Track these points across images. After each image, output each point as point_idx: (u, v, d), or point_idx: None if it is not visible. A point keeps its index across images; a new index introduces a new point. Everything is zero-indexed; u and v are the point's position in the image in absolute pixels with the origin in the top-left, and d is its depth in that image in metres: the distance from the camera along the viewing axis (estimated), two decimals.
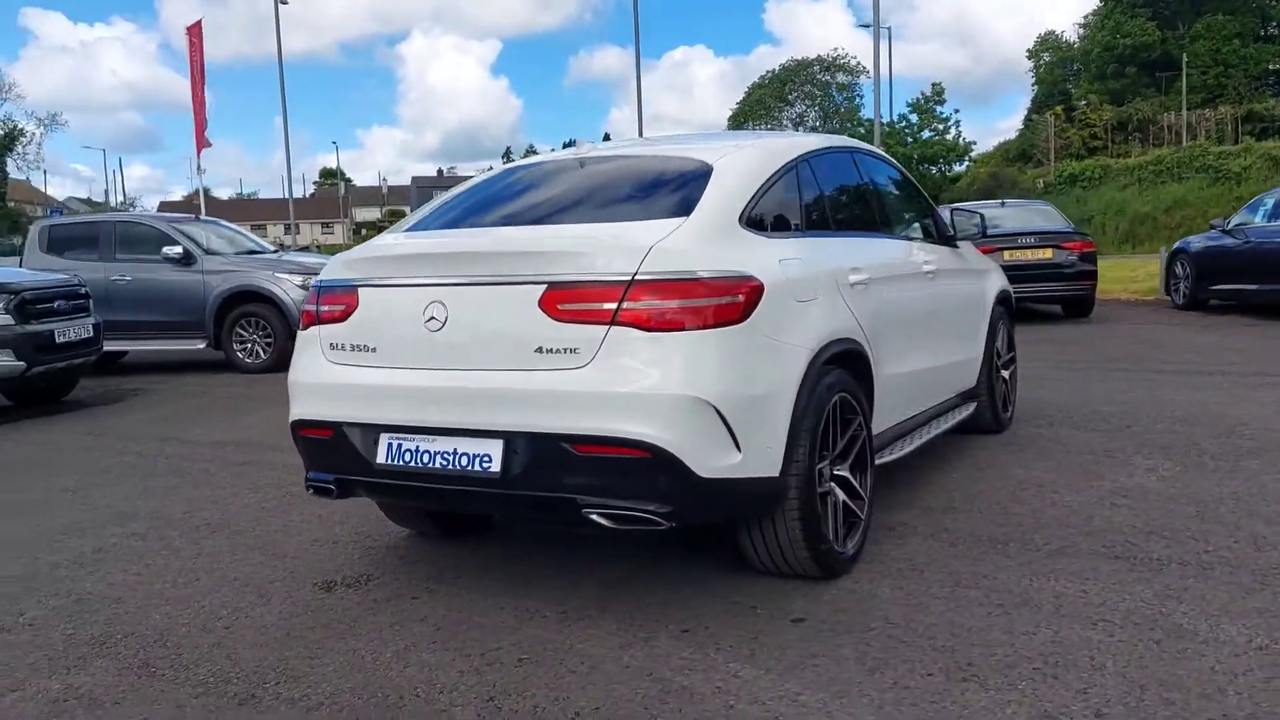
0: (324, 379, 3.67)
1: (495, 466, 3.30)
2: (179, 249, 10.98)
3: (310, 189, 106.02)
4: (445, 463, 3.38)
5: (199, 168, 33.15)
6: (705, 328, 3.22)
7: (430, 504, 3.91)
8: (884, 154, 5.43)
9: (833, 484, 3.81)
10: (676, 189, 3.69)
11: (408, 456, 3.45)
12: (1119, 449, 5.66)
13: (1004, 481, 5.07)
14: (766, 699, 2.87)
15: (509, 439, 3.28)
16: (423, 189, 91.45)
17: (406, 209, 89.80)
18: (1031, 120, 53.25)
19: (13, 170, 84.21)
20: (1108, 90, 50.36)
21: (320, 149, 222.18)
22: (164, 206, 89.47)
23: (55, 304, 8.86)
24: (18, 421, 8.70)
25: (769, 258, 3.54)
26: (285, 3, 38.65)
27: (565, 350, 3.22)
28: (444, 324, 3.40)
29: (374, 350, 3.57)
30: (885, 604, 3.53)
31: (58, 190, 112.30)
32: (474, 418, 3.33)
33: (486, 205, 4.01)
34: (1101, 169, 39.15)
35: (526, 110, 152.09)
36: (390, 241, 3.92)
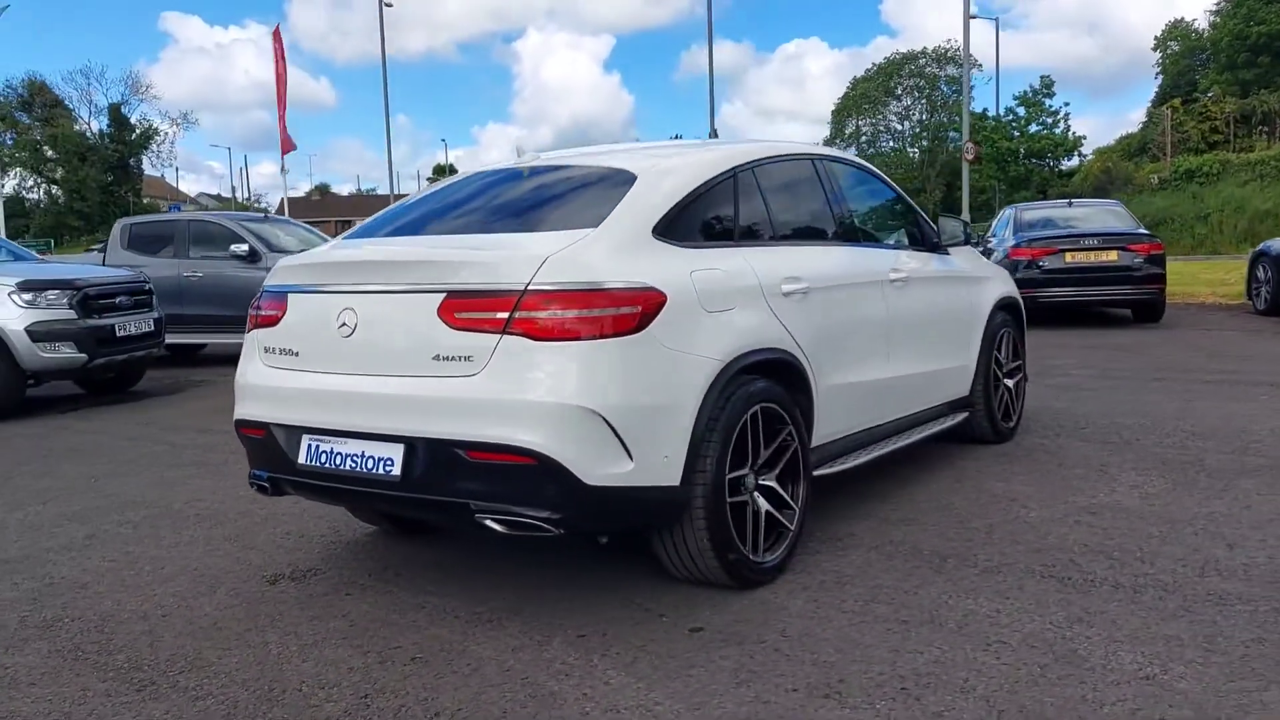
0: (258, 381, 3.83)
1: (396, 470, 3.41)
2: (245, 246, 11.43)
3: (423, 184, 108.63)
4: (354, 465, 3.51)
5: (282, 168, 34.23)
6: (597, 338, 3.27)
7: (344, 504, 4.04)
8: (857, 160, 5.37)
9: (756, 494, 3.80)
10: (595, 199, 3.73)
11: (324, 458, 3.59)
12: (1115, 463, 5.48)
13: (977, 494, 4.96)
14: (624, 707, 2.91)
15: (410, 444, 3.39)
16: None
17: None
18: (1151, 113, 51.26)
19: (148, 167, 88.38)
20: (1237, 81, 48.10)
21: (437, 145, 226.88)
22: (291, 203, 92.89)
23: (117, 299, 9.34)
24: (84, 410, 9.22)
25: (679, 269, 3.56)
26: (390, 4, 39.73)
27: (460, 358, 3.31)
28: (354, 330, 3.53)
29: (297, 354, 3.72)
30: (790, 617, 3.52)
31: (191, 186, 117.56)
32: (379, 422, 3.44)
33: (420, 215, 4.12)
34: (1220, 164, 37.39)
35: (638, 106, 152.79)
36: (323, 249, 4.06)
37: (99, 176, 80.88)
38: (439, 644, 3.43)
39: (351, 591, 3.99)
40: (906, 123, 65.14)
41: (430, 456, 3.35)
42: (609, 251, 3.46)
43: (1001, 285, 6.06)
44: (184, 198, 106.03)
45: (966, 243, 5.49)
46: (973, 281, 5.69)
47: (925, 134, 63.47)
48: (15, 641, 3.62)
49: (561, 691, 3.03)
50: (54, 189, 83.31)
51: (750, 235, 4.13)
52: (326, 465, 3.58)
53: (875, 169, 5.45)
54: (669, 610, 3.63)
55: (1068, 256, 11.82)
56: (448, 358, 3.33)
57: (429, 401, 3.34)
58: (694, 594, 3.75)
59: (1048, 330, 12.26)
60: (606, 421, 3.25)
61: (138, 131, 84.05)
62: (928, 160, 60.92)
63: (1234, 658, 3.07)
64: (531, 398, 3.22)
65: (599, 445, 3.25)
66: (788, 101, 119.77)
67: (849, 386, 4.42)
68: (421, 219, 4.07)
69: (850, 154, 5.55)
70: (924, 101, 63.80)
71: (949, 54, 60.48)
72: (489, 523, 3.33)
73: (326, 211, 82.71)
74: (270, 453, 3.79)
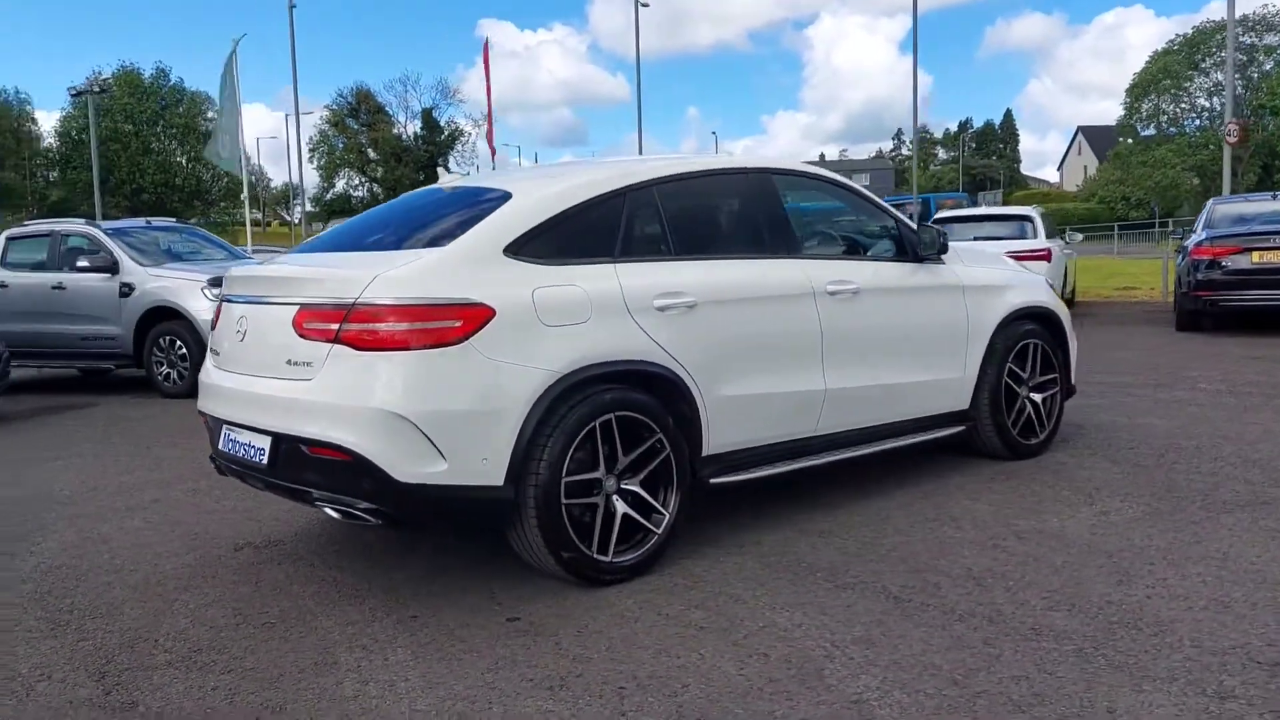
0: (203, 377, 4.47)
1: (264, 459, 3.93)
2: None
3: None
4: (245, 453, 4.07)
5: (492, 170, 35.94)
6: (414, 349, 3.63)
7: (249, 484, 4.56)
8: (817, 173, 5.34)
9: (616, 497, 4.03)
10: (466, 220, 4.07)
11: (231, 445, 4.18)
12: (1112, 487, 5.17)
13: (926, 511, 4.88)
14: (376, 680, 3.28)
15: (274, 437, 3.90)
16: None
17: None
18: None
19: (454, 166, 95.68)
20: None
21: (726, 136, 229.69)
22: None
23: None
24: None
25: (519, 286, 3.85)
26: (646, 5, 41.02)
27: (303, 364, 3.78)
28: (244, 336, 4.08)
29: (219, 355, 4.32)
30: (604, 616, 3.74)
31: None
32: (255, 417, 3.98)
33: (348, 233, 4.62)
34: None
35: (935, 87, 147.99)
36: (252, 264, 4.65)
37: (412, 175, 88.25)
38: (300, 613, 3.92)
39: (284, 562, 4.56)
40: (1216, 99, 59.19)
41: (284, 449, 3.85)
42: (445, 269, 3.81)
43: (1024, 294, 5.79)
44: None
45: (942, 251, 5.32)
46: (973, 291, 5.50)
47: (1244, 111, 57.45)
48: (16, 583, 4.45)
49: (344, 662, 3.43)
50: (375, 187, 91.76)
51: (635, 251, 4.31)
52: (232, 451, 4.16)
53: (843, 180, 5.40)
54: (513, 601, 3.93)
55: (1255, 257, 10.69)
56: (296, 363, 3.81)
57: (284, 401, 3.83)
58: (546, 587, 4.02)
59: (1218, 336, 11.23)
60: (415, 425, 3.60)
61: (445, 133, 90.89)
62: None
63: (968, 692, 3.01)
64: (349, 402, 3.63)
65: (409, 446, 3.61)
66: (1102, 76, 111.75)
67: (760, 398, 4.50)
68: (345, 237, 4.57)
69: (810, 166, 5.49)
70: (1240, 77, 57.70)
71: (1270, 20, 54.41)
72: (328, 510, 3.79)
73: None
74: (211, 437, 4.42)
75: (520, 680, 3.23)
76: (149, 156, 58.39)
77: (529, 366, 3.78)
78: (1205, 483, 5.16)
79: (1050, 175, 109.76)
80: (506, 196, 4.17)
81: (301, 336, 3.80)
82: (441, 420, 3.64)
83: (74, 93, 44.36)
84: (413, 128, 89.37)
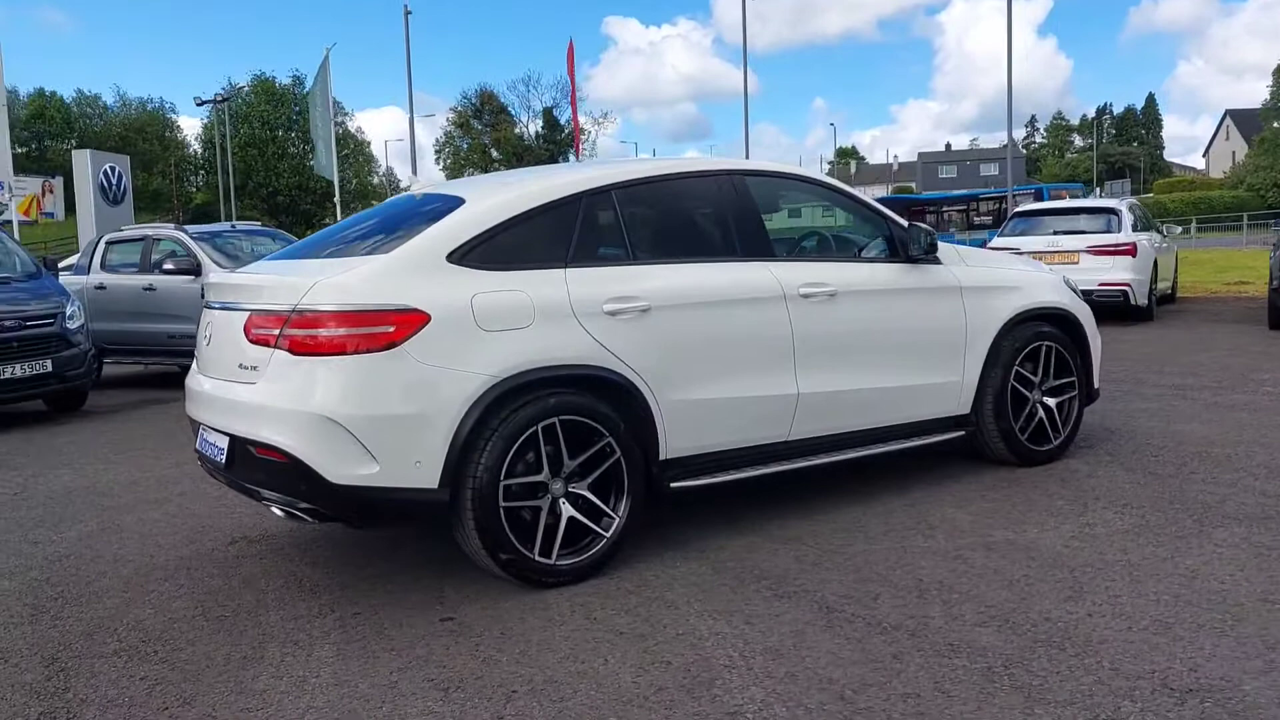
0: (188, 381, 4.68)
1: (223, 459, 4.11)
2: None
3: (826, 169, 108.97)
4: (211, 453, 4.25)
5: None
6: (346, 354, 3.75)
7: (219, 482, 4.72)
8: (802, 172, 5.25)
9: (563, 500, 4.07)
10: (417, 227, 4.16)
11: (203, 445, 4.37)
12: (1110, 495, 4.95)
13: (910, 519, 4.76)
14: (290, 675, 3.39)
15: (230, 438, 4.07)
16: (928, 164, 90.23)
17: (913, 185, 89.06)
18: None
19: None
20: None
21: (855, 126, 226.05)
22: None
23: None
24: None
25: (457, 292, 3.91)
26: None
27: (250, 368, 3.93)
28: (209, 341, 4.27)
29: (198, 359, 4.52)
30: (533, 619, 3.78)
31: None
32: (215, 419, 4.16)
33: (319, 240, 4.75)
34: None
35: (1076, 71, 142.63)
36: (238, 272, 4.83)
37: None
38: (255, 606, 4.08)
39: (266, 557, 4.74)
40: None
41: (237, 450, 4.01)
42: (383, 276, 3.91)
43: (1033, 295, 5.57)
44: None
45: (929, 251, 5.16)
46: (972, 292, 5.32)
47: None
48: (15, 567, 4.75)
49: (270, 656, 3.57)
50: None
51: (591, 256, 4.32)
52: (204, 451, 4.36)
53: (827, 180, 5.29)
54: (457, 600, 4.01)
55: None
56: (245, 366, 3.96)
57: (235, 404, 3.99)
58: (492, 588, 4.08)
59: None
60: (346, 429, 3.71)
61: (565, 132, 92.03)
62: None
63: (851, 708, 2.95)
64: (285, 405, 3.77)
65: (340, 449, 3.72)
66: (1258, 55, 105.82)
67: (724, 402, 4.47)
68: (313, 244, 4.70)
69: (789, 167, 5.39)
70: None
71: None
72: (274, 509, 3.94)
73: None
74: (194, 438, 4.64)
75: (422, 680, 3.29)
76: (284, 160, 60.88)
77: (464, 371, 3.85)
78: (1215, 495, 4.89)
79: (1196, 162, 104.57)
80: (460, 203, 4.24)
81: (250, 341, 3.95)
82: (372, 424, 3.74)
83: (199, 102, 46.65)
84: (534, 127, 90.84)
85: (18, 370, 9.14)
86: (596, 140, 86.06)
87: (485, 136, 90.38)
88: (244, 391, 3.96)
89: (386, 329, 3.77)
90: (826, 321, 4.79)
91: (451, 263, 4.01)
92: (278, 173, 59.51)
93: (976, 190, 45.66)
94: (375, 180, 70.60)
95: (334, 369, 3.75)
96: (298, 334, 3.78)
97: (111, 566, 4.72)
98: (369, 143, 71.27)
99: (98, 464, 7.24)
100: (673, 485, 4.42)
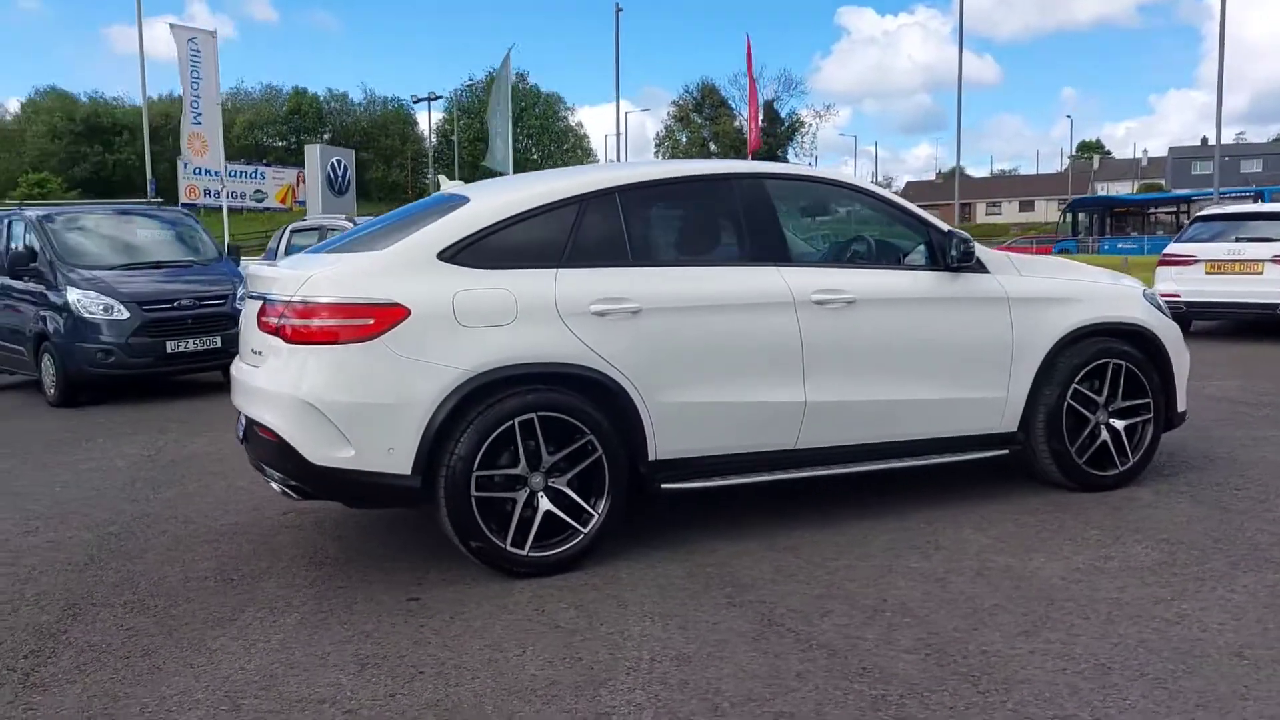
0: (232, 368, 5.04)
1: (241, 435, 4.47)
2: None
3: (1065, 163, 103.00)
4: (239, 430, 4.63)
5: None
6: (330, 343, 4.01)
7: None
8: (830, 176, 5.09)
9: (541, 494, 4.20)
10: (420, 225, 4.38)
11: (238, 425, 4.75)
12: (1154, 528, 4.60)
13: (919, 537, 4.59)
14: (242, 638, 3.69)
15: (245, 417, 4.42)
16: (1179, 160, 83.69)
17: (1161, 182, 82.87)
18: None
19: (792, 158, 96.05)
20: None
21: (1107, 118, 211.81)
22: (909, 186, 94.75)
23: None
24: None
25: (440, 289, 4.10)
26: None
27: (259, 353, 4.27)
28: (243, 328, 4.64)
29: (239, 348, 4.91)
30: (487, 604, 3.92)
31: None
32: (236, 399, 4.53)
33: (353, 234, 5.03)
34: None
35: None
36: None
37: None
38: (259, 574, 4.42)
39: (303, 528, 5.10)
40: None
41: (247, 428, 4.36)
42: (372, 271, 4.14)
43: (1098, 308, 5.19)
44: None
45: (964, 260, 4.90)
46: (1022, 304, 5.02)
47: None
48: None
49: (240, 621, 3.87)
50: None
51: (587, 257, 4.38)
52: (237, 430, 4.74)
53: (860, 185, 5.12)
54: (434, 582, 4.21)
55: None
56: (256, 352, 4.30)
57: (247, 386, 4.35)
58: (472, 572, 4.24)
59: None
60: (323, 414, 3.97)
61: (785, 124, 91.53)
62: None
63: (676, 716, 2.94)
64: (276, 388, 4.07)
65: (320, 432, 3.99)
66: None
67: (720, 406, 4.46)
68: (344, 238, 4.99)
69: (815, 170, 5.23)
70: None
71: None
72: (273, 485, 4.26)
73: (946, 195, 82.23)
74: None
75: (350, 654, 3.50)
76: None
77: (440, 364, 4.03)
78: (1275, 536, 4.45)
79: None
80: (464, 203, 4.43)
81: (260, 330, 4.28)
82: (348, 410, 3.98)
83: (415, 99, 49.30)
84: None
85: (191, 345, 10.07)
86: (817, 133, 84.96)
87: (705, 130, 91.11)
88: (252, 375, 4.29)
89: (366, 321, 4.00)
90: (843, 330, 4.67)
91: (443, 260, 4.19)
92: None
93: (1190, 191, 42.02)
94: None
95: (318, 357, 4.02)
96: (292, 323, 4.07)
97: (175, 526, 5.21)
98: (588, 136, 73.28)
99: (232, 433, 7.91)
100: (664, 486, 4.44)
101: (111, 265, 10.39)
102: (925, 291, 4.90)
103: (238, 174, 37.66)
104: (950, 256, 4.88)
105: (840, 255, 5.23)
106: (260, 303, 4.36)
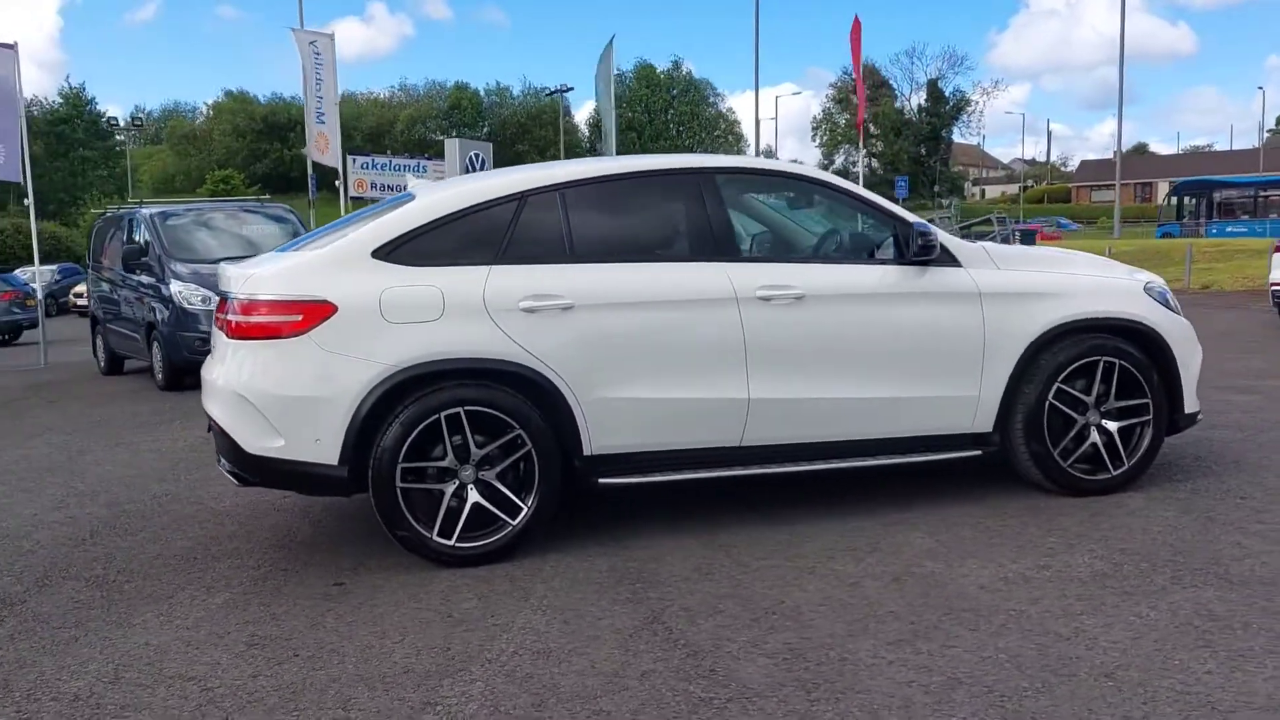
0: None
1: (208, 425, 4.75)
2: None
3: (1264, 137, 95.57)
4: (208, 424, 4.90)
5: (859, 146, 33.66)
6: (260, 338, 4.22)
7: None
8: (789, 168, 4.97)
9: (471, 487, 4.31)
10: (360, 225, 4.54)
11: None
12: (1118, 539, 4.33)
13: (864, 540, 4.48)
14: (164, 614, 3.94)
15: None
16: None
17: None
18: None
19: (957, 137, 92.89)
20: None
21: None
22: (1083, 164, 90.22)
23: None
24: None
25: (369, 285, 4.24)
26: None
27: (214, 347, 4.52)
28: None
29: None
30: (401, 591, 4.06)
31: (1005, 152, 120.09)
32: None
33: (305, 237, 5.19)
34: None
35: None
36: None
37: (911, 149, 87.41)
38: (220, 554, 4.69)
39: (292, 513, 5.37)
40: None
41: (208, 418, 4.63)
42: (306, 269, 4.33)
43: (1087, 303, 4.89)
44: (992, 165, 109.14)
45: (923, 254, 4.70)
46: (996, 299, 4.79)
47: None
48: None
49: (176, 598, 4.13)
50: (873, 162, 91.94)
51: (524, 254, 4.43)
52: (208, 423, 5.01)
53: (820, 176, 4.96)
54: (371, 568, 4.37)
55: None
56: (214, 346, 4.56)
57: (204, 379, 4.60)
58: (407, 560, 4.38)
59: None
60: (254, 405, 4.19)
61: (950, 104, 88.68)
62: None
63: (542, 714, 2.99)
64: (220, 381, 4.32)
65: (252, 423, 4.21)
66: None
67: (657, 403, 4.46)
68: (306, 238, 5.15)
69: (776, 163, 5.08)
70: None
71: None
72: (224, 472, 4.51)
73: (1126, 173, 77.87)
74: None
75: (247, 635, 3.70)
76: (659, 142, 63.98)
77: (364, 359, 4.18)
78: (1243, 551, 4.13)
79: None
80: (409, 201, 4.57)
81: (215, 325, 4.54)
82: (277, 402, 4.18)
83: (548, 94, 50.01)
84: (917, 100, 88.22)
85: None
86: (985, 110, 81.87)
87: (866, 111, 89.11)
88: (208, 368, 4.55)
89: (295, 318, 4.19)
90: (790, 326, 4.59)
91: (377, 258, 4.33)
92: (652, 154, 62.67)
93: None
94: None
95: (252, 351, 4.24)
96: (233, 319, 4.30)
97: (183, 506, 5.58)
98: (739, 122, 72.88)
99: None
100: (601, 481, 4.48)
101: (214, 259, 11.05)
102: (884, 286, 4.75)
103: (401, 168, 39.18)
104: (910, 250, 4.71)
105: (793, 250, 5.11)
106: (217, 300, 4.61)
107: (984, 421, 4.87)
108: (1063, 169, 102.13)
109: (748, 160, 5.12)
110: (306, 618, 3.83)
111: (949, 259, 4.83)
